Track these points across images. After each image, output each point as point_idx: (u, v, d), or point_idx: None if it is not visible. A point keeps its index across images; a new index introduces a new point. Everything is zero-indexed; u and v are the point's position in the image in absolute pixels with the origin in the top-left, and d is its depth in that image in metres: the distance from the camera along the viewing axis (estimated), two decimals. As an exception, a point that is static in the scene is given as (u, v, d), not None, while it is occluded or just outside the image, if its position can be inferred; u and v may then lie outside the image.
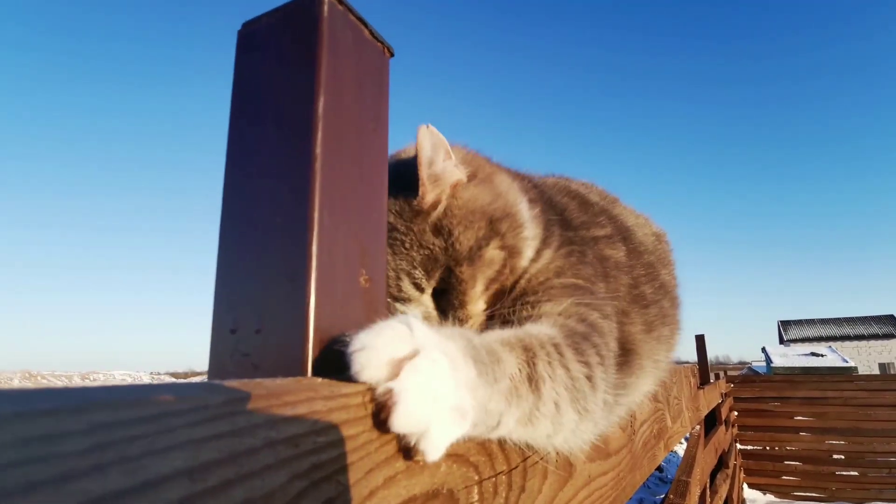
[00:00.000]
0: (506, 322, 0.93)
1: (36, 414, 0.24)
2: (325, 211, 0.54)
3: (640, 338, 1.15)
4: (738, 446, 7.97)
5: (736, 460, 6.82)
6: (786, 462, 8.01)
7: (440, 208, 0.97)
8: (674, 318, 1.42)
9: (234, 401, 0.33)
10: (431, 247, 0.94)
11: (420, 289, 0.95)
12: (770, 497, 7.98)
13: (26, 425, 0.23)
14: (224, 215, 0.59)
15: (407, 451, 0.47)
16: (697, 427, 3.90)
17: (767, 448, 8.17)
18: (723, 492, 4.42)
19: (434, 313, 0.96)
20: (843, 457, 7.68)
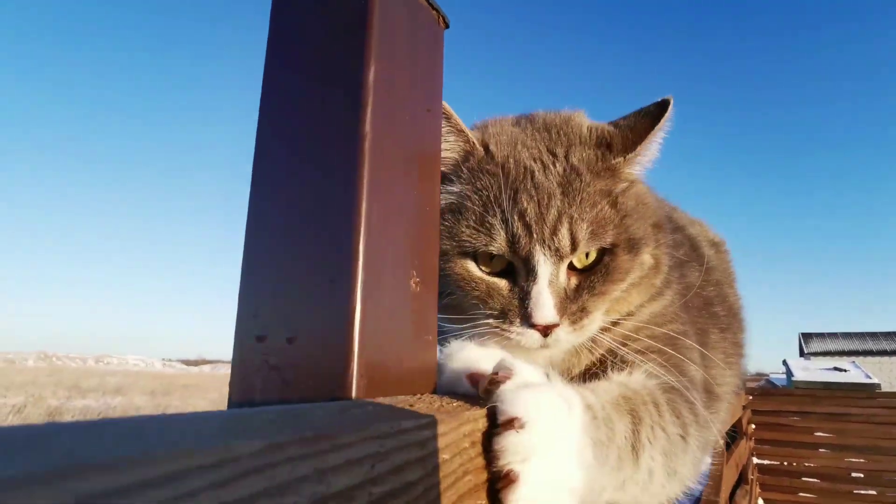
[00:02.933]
0: (604, 362, 0.88)
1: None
2: (373, 201, 0.46)
3: (718, 373, 1.05)
4: (755, 460, 7.78)
5: (753, 474, 6.64)
6: (803, 478, 7.80)
7: (623, 185, 0.91)
8: (742, 343, 1.32)
9: (276, 448, 0.25)
10: (605, 215, 0.85)
11: (574, 245, 0.82)
12: (785, 513, 7.78)
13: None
14: (252, 203, 0.51)
15: None
16: (720, 441, 3.76)
17: (784, 463, 7.95)
18: (742, 509, 4.28)
19: (551, 290, 0.82)
20: (861, 475, 7.45)
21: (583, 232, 0.82)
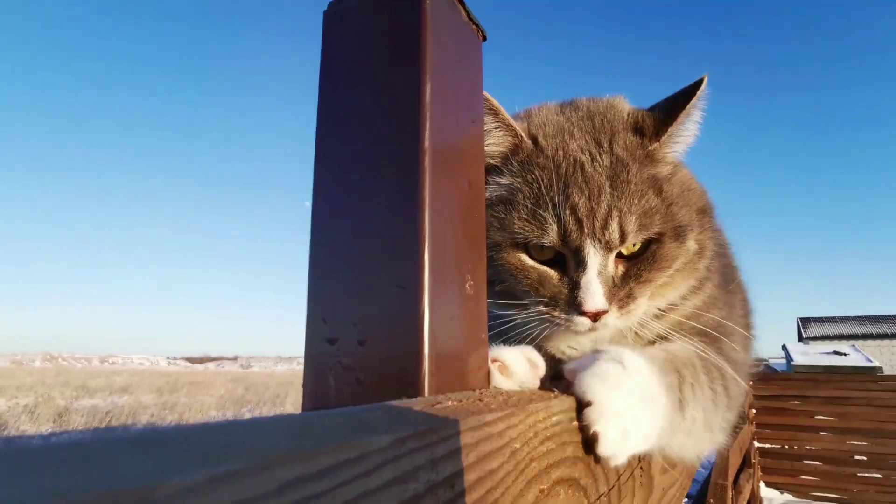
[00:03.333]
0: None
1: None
2: (434, 212, 0.49)
3: (740, 356, 1.10)
4: (756, 444, 7.87)
5: (755, 458, 6.73)
6: (805, 461, 7.89)
7: (667, 169, 0.94)
8: (751, 326, 1.37)
9: (400, 441, 0.28)
10: (652, 205, 0.88)
11: (623, 238, 0.86)
12: (788, 496, 7.88)
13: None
14: (316, 213, 0.54)
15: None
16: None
17: (786, 447, 8.06)
18: (746, 492, 4.35)
19: (601, 280, 0.86)
20: (865, 458, 7.54)
21: (632, 225, 0.85)
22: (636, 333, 0.94)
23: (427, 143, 0.50)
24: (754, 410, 8.02)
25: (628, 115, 0.97)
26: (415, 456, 0.30)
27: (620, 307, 0.86)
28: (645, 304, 0.90)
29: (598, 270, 0.85)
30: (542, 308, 0.87)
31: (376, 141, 0.52)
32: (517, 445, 0.42)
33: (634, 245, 0.89)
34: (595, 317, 0.84)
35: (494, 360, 0.64)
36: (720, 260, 1.08)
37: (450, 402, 0.39)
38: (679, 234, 0.90)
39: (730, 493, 2.63)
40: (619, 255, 0.89)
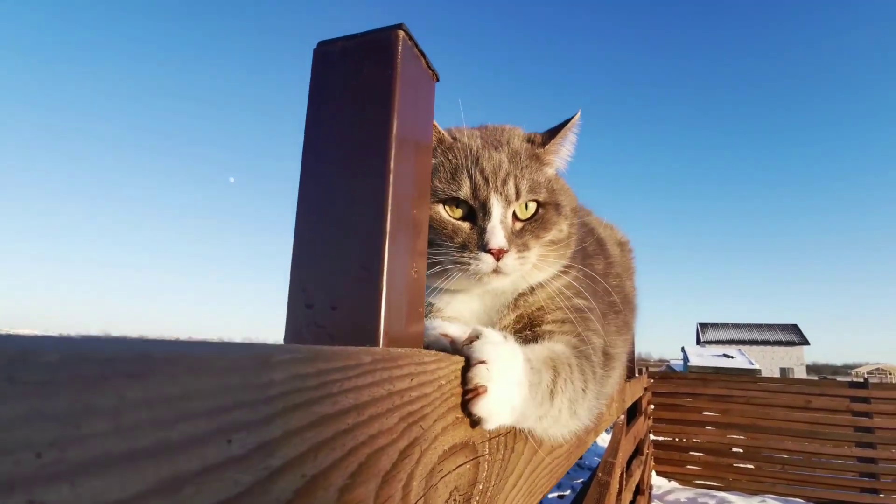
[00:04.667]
0: (533, 325, 1.18)
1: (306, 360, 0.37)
2: (394, 218, 0.67)
3: (614, 341, 1.36)
4: (652, 437, 8.63)
5: (649, 449, 7.40)
6: (691, 453, 8.75)
7: (551, 173, 1.25)
8: (632, 325, 1.69)
9: (375, 361, 0.47)
10: (540, 180, 1.19)
11: (518, 195, 1.15)
12: (674, 484, 8.71)
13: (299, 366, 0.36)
14: (300, 215, 0.71)
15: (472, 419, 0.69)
16: (622, 416, 4.26)
17: (676, 439, 8.90)
18: (636, 476, 4.85)
19: (502, 227, 1.11)
20: (741, 450, 8.48)
21: (524, 186, 1.16)
22: (524, 296, 1.20)
23: (392, 166, 0.68)
24: (652, 406, 8.79)
25: (523, 134, 1.30)
26: (382, 373, 0.48)
27: (518, 251, 1.12)
28: (535, 255, 1.17)
29: (500, 219, 1.12)
30: (454, 254, 1.11)
31: (354, 162, 0.69)
32: (443, 382, 0.61)
33: (527, 208, 1.18)
34: (498, 254, 1.08)
35: (443, 333, 0.84)
36: (585, 262, 1.38)
37: (401, 350, 0.58)
38: (558, 209, 1.21)
39: (618, 470, 2.99)
40: (517, 218, 1.17)
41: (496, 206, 1.12)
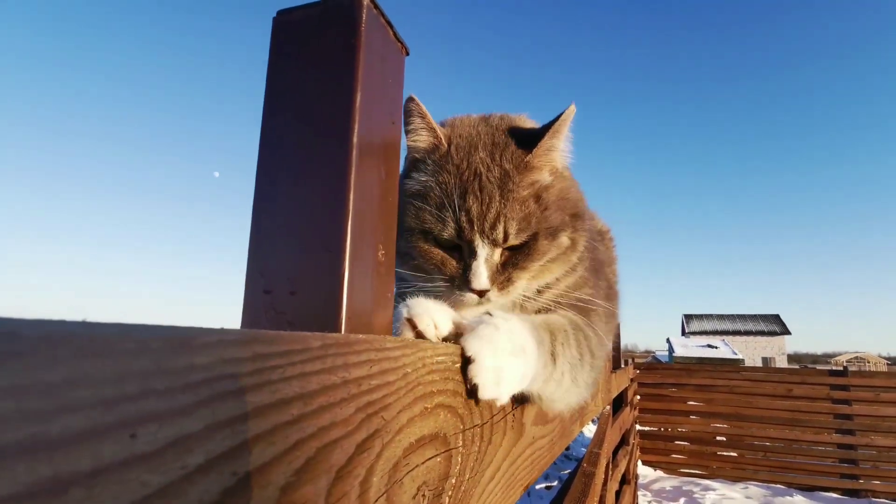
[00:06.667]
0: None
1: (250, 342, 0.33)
2: (357, 194, 0.63)
3: (602, 327, 1.34)
4: (637, 427, 8.71)
5: (635, 439, 7.47)
6: (676, 442, 8.86)
7: (546, 178, 1.17)
8: (616, 314, 1.69)
9: (327, 346, 0.42)
10: (530, 210, 1.11)
11: (506, 238, 1.10)
12: (660, 473, 8.82)
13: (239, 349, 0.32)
14: (257, 194, 0.66)
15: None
16: (608, 407, 4.27)
17: (662, 429, 9.00)
18: (622, 466, 4.88)
19: (486, 266, 1.09)
20: (724, 439, 8.60)
21: (513, 229, 1.10)
22: (521, 306, 1.18)
23: (356, 140, 0.63)
24: (638, 397, 8.87)
25: (520, 132, 1.21)
26: (336, 359, 0.44)
27: (500, 288, 1.11)
28: (523, 285, 1.15)
29: (485, 259, 1.10)
30: (442, 283, 1.11)
31: (314, 133, 0.64)
32: (409, 370, 0.57)
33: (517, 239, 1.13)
34: (480, 294, 1.09)
35: (408, 319, 0.84)
36: (592, 253, 1.34)
37: (359, 336, 0.53)
38: (551, 233, 1.15)
39: (603, 460, 2.98)
40: (505, 248, 1.13)
41: (481, 248, 1.09)
